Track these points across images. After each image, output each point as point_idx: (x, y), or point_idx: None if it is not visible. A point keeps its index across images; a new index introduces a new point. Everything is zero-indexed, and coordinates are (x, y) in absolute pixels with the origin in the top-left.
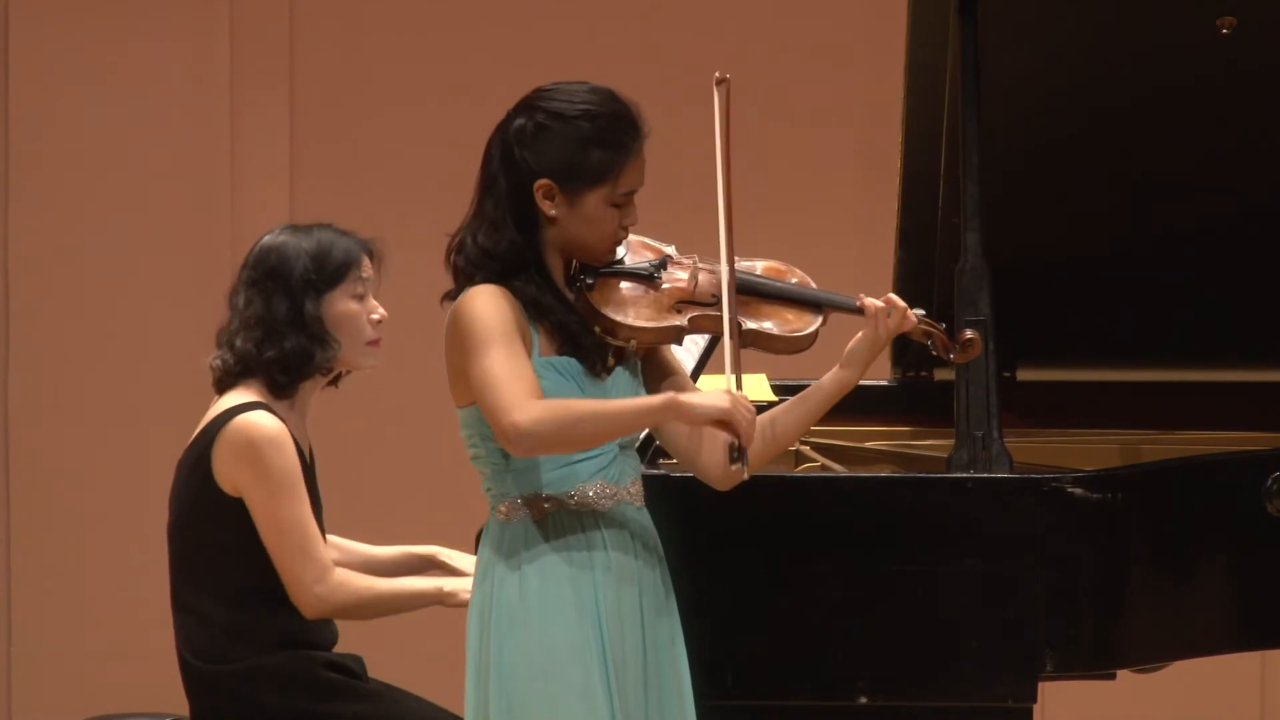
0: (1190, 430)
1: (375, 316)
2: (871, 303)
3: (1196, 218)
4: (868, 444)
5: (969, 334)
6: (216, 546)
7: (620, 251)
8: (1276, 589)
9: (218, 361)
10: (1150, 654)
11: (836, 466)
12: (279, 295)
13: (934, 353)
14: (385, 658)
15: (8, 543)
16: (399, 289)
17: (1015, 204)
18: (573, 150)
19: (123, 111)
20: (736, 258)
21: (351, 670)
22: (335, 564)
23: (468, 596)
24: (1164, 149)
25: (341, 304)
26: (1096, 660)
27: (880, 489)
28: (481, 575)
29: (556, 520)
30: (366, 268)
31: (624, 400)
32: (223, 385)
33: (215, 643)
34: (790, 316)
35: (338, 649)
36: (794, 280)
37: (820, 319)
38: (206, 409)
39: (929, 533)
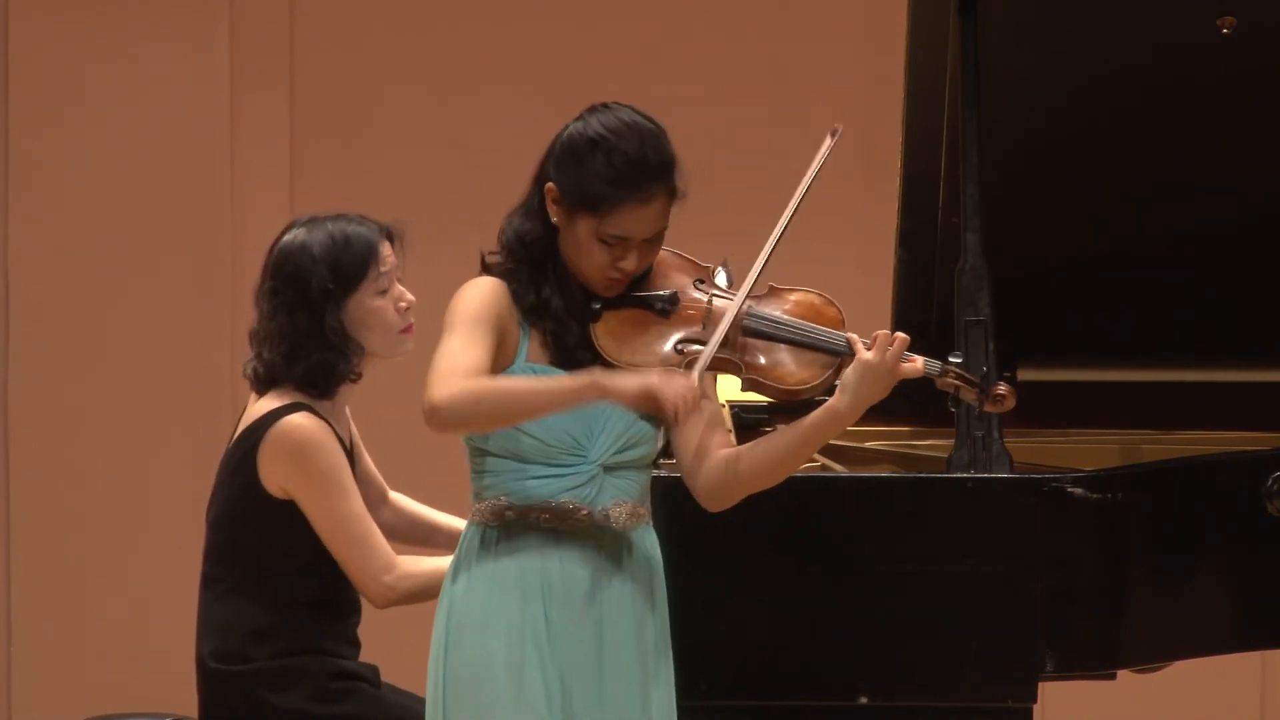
0: (1190, 430)
1: (403, 304)
2: (876, 335)
3: (1196, 218)
4: (868, 444)
5: (1003, 389)
6: (256, 548)
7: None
8: (1276, 589)
9: (250, 370)
10: (1150, 654)
11: (836, 466)
12: (300, 309)
13: (952, 407)
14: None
15: (8, 543)
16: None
17: (1015, 204)
18: (579, 171)
19: (123, 111)
20: (770, 284)
21: (363, 676)
22: (390, 526)
23: None
24: (1164, 149)
25: (367, 303)
26: (1096, 660)
27: (880, 489)
28: (448, 572)
29: (518, 530)
30: (386, 258)
31: (547, 379)
32: (260, 390)
33: (234, 643)
34: (797, 367)
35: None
36: (818, 316)
37: (833, 370)
38: (207, 408)
39: (929, 533)
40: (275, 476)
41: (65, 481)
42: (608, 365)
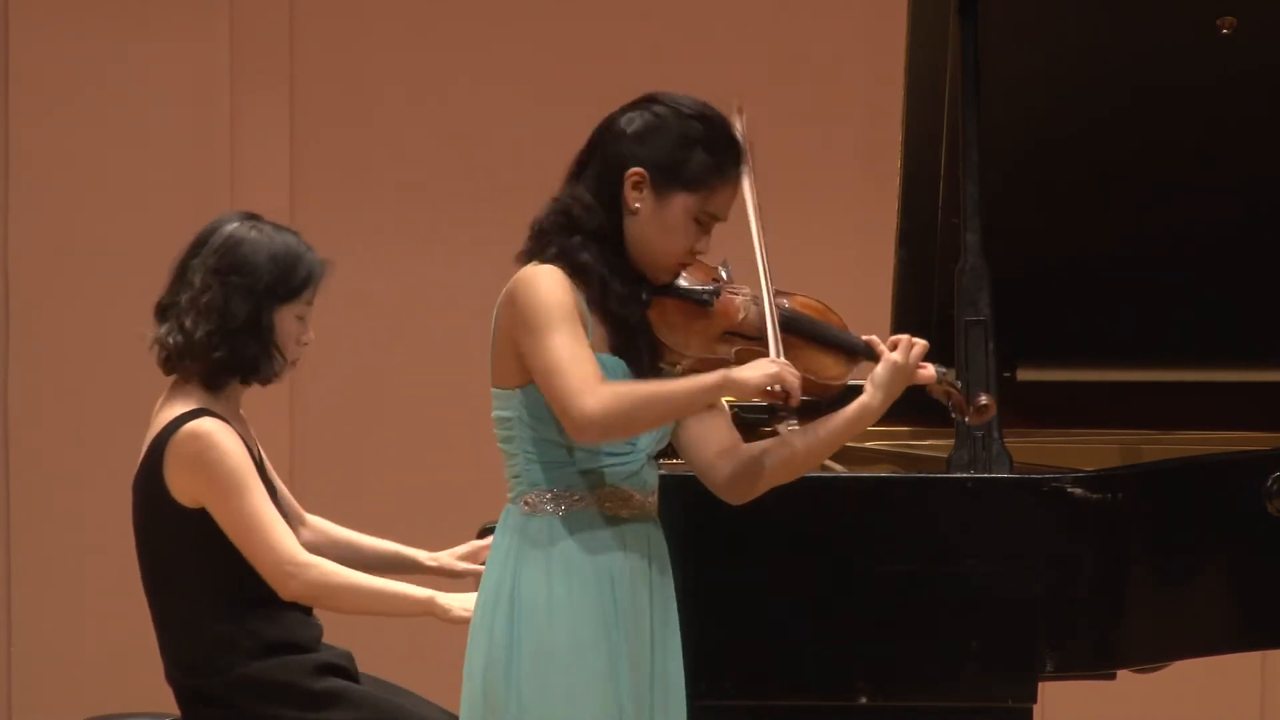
0: (1190, 430)
1: (305, 340)
2: (897, 338)
3: (1196, 218)
4: (868, 444)
5: (984, 399)
6: (185, 560)
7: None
8: (1276, 589)
9: (170, 340)
10: (1150, 654)
11: (836, 466)
12: (241, 295)
13: (953, 415)
14: (377, 653)
15: (8, 543)
16: (398, 286)
17: (1015, 204)
18: (679, 146)
19: (123, 111)
20: (780, 290)
21: (343, 670)
22: (311, 545)
23: (463, 614)
24: (1164, 149)
25: (287, 320)
26: (1096, 660)
27: (880, 489)
28: (500, 563)
29: (583, 519)
30: (316, 291)
31: (683, 380)
32: (169, 366)
33: (200, 655)
34: (829, 363)
35: (324, 641)
36: (830, 321)
37: (854, 366)
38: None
39: (929, 533)
40: (183, 485)
41: (65, 481)
42: (663, 351)
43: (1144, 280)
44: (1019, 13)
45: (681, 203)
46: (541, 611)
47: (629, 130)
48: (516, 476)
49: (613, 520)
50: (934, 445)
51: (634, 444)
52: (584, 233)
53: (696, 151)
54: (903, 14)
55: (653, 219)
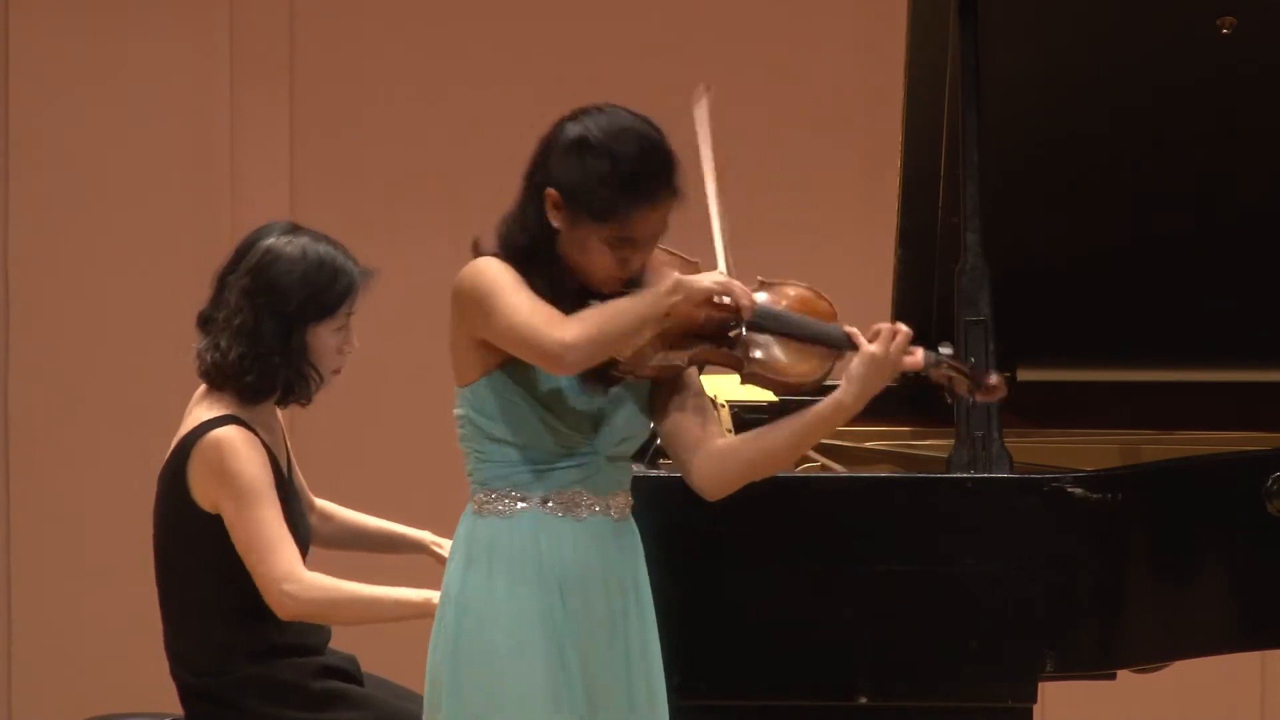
0: (1190, 430)
1: (348, 348)
2: (878, 328)
3: (1196, 217)
4: (868, 444)
5: (994, 379)
6: (200, 562)
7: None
8: (1276, 589)
9: (208, 356)
10: (1150, 654)
11: (836, 466)
12: (271, 317)
13: (949, 399)
14: (382, 654)
15: (8, 543)
16: (399, 286)
17: (1015, 204)
18: (584, 178)
19: (123, 111)
20: (760, 278)
21: (346, 673)
22: (315, 530)
23: None
24: (1164, 149)
25: (325, 336)
26: (1096, 660)
27: (880, 489)
28: (452, 560)
29: (531, 521)
30: (356, 301)
31: (636, 293)
32: (209, 380)
33: (208, 657)
34: (798, 360)
35: (331, 646)
36: (812, 310)
37: (831, 363)
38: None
39: (929, 533)
40: (204, 489)
41: (65, 481)
42: (609, 368)
43: (1144, 280)
44: (1019, 13)
45: (590, 229)
46: (484, 614)
47: (555, 149)
48: (470, 474)
49: (564, 524)
50: (934, 445)
51: (593, 446)
52: (523, 254)
53: (600, 185)
54: (903, 14)
55: (569, 241)
